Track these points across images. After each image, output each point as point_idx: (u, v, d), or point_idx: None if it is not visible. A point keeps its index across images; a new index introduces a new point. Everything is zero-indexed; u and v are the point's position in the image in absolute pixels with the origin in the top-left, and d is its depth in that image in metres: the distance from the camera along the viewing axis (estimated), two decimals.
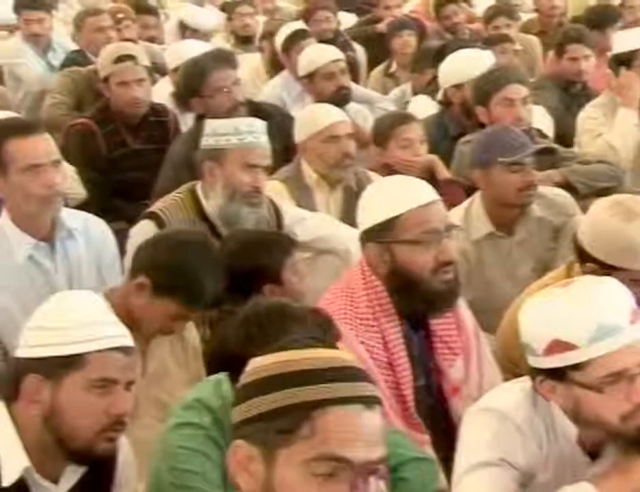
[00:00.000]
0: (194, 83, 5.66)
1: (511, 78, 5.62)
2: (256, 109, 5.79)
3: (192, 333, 3.72)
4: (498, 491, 2.85)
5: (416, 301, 3.51)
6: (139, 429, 3.43)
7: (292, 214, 4.72)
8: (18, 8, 8.44)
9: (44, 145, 4.15)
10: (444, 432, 3.58)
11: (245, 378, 2.04)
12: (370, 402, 1.98)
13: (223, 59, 5.79)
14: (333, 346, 2.18)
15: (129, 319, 3.35)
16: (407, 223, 3.45)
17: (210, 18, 8.87)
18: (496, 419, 2.95)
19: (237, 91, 5.60)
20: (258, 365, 2.03)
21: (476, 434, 2.99)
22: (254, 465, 1.98)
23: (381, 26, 8.67)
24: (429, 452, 3.50)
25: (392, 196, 3.53)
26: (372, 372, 3.42)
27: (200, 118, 5.51)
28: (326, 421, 1.93)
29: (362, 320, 3.52)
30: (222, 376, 3.15)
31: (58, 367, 2.77)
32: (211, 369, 3.34)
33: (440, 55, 6.67)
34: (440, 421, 3.64)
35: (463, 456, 2.98)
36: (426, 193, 3.54)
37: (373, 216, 3.54)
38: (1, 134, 4.14)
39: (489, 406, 3.02)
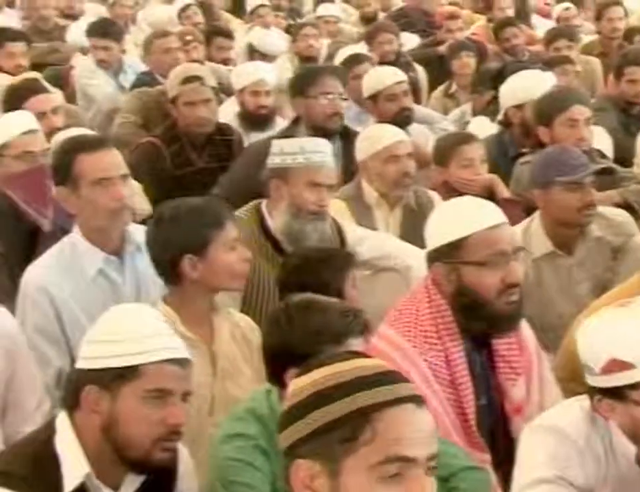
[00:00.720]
0: (302, 84, 5.85)
1: (576, 100, 5.54)
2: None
3: (255, 333, 3.68)
4: None
5: (480, 321, 3.47)
6: (214, 427, 3.41)
7: (354, 232, 4.69)
8: (89, 33, 8.49)
9: (113, 160, 4.16)
10: (505, 451, 3.52)
11: (291, 400, 2.03)
12: (418, 400, 1.98)
13: (334, 71, 6.05)
14: (365, 356, 2.14)
15: None
16: (476, 244, 3.41)
17: (278, 42, 8.89)
18: (554, 437, 2.92)
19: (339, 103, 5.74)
20: (303, 384, 2.02)
21: (534, 451, 2.96)
22: (318, 481, 1.96)
23: (442, 49, 8.65)
24: (490, 470, 3.44)
25: (461, 217, 3.49)
26: (434, 390, 3.41)
27: (296, 121, 5.77)
28: (386, 423, 1.93)
29: (426, 337, 3.47)
30: (271, 387, 3.16)
31: (115, 378, 2.79)
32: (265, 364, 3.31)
33: (499, 76, 6.67)
34: (501, 440, 3.58)
35: (522, 472, 2.96)
36: (495, 215, 3.50)
37: (441, 237, 3.49)
38: (71, 150, 4.17)
39: (548, 424, 2.99)
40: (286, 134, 5.39)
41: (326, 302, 3.29)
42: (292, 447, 1.99)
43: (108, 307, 3.18)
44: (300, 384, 2.02)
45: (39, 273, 4.10)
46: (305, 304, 3.28)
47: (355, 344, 3.15)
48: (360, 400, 1.94)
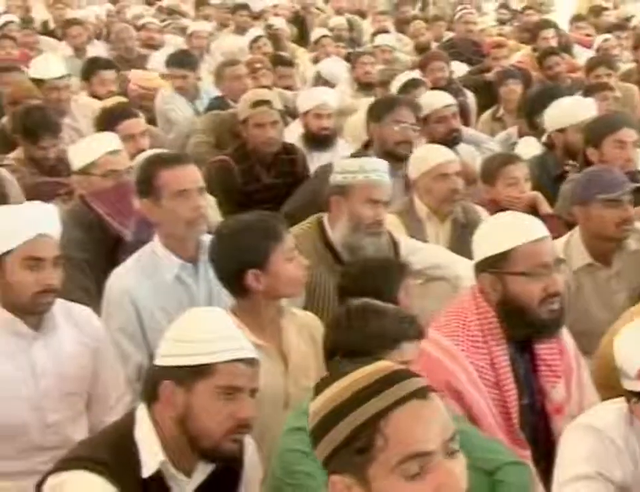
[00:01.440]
0: (379, 111, 5.91)
1: (625, 123, 5.53)
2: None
3: (320, 330, 3.67)
4: None
5: (523, 327, 3.46)
6: None
7: (408, 244, 4.68)
8: (168, 64, 8.58)
9: (191, 174, 4.21)
10: (545, 448, 3.51)
11: (312, 421, 2.02)
12: (422, 393, 1.94)
13: (408, 102, 6.06)
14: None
15: None
16: (521, 256, 3.40)
17: (342, 70, 8.91)
18: (594, 436, 2.89)
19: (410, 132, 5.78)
20: (318, 406, 2.01)
21: (574, 449, 2.94)
22: (354, 491, 1.94)
23: (490, 75, 8.63)
24: (530, 465, 3.42)
25: (507, 230, 3.48)
26: (480, 390, 3.40)
27: (367, 145, 5.83)
28: (393, 427, 1.89)
29: (473, 342, 3.47)
30: None
31: (190, 375, 2.81)
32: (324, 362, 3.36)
33: (539, 99, 6.67)
34: (541, 437, 3.56)
35: (563, 469, 2.93)
36: (538, 229, 3.49)
37: (488, 248, 3.49)
38: (154, 165, 4.23)
39: (588, 423, 2.97)
40: (357, 155, 5.37)
41: (384, 307, 3.31)
42: (324, 464, 1.99)
43: (183, 309, 3.21)
44: (317, 404, 2.01)
45: (122, 277, 4.14)
46: (365, 308, 3.29)
47: (410, 348, 3.17)
48: (364, 412, 1.91)
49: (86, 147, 5.09)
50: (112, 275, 4.17)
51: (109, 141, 5.13)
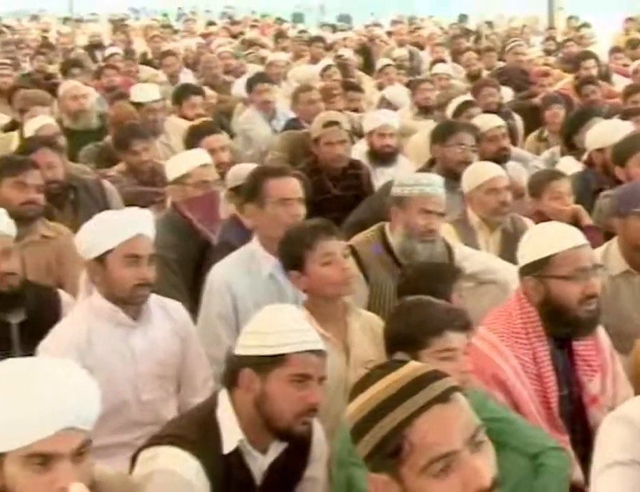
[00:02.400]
0: (443, 134, 5.89)
1: None
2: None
3: (380, 328, 3.66)
4: (627, 486, 2.73)
5: (563, 325, 3.44)
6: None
7: (461, 250, 4.67)
8: (250, 84, 8.62)
9: (294, 185, 4.31)
10: (581, 434, 3.49)
11: (350, 424, 2.01)
12: (444, 397, 1.92)
13: (469, 127, 6.06)
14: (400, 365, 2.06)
15: None
16: (561, 261, 3.38)
17: (404, 96, 8.90)
18: (628, 426, 2.85)
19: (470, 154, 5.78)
20: (353, 410, 1.99)
21: (610, 438, 2.88)
22: (391, 487, 1.93)
23: (536, 100, 8.54)
24: (569, 450, 3.40)
25: (550, 238, 3.46)
26: (523, 382, 3.38)
27: (431, 163, 5.87)
28: (418, 433, 1.88)
29: (517, 339, 3.45)
30: None
31: (266, 364, 2.84)
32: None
33: (577, 121, 6.73)
34: (578, 425, 3.53)
35: (600, 456, 2.89)
36: (577, 237, 3.46)
37: (532, 254, 3.47)
38: (262, 175, 4.33)
39: (623, 415, 2.92)
40: (421, 171, 5.39)
41: (433, 301, 3.34)
42: (364, 462, 1.99)
43: (274, 304, 3.22)
44: (352, 409, 2.00)
45: (224, 271, 4.19)
46: (415, 301, 3.36)
47: (455, 337, 3.19)
48: (391, 420, 1.90)
49: (181, 161, 5.16)
50: (215, 267, 4.23)
51: (201, 155, 5.19)
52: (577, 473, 3.34)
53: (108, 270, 3.60)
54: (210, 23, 21.04)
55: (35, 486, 2.06)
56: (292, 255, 3.79)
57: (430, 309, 3.27)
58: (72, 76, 9.37)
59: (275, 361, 2.83)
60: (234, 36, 16.93)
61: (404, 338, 3.23)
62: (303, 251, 3.73)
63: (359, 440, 1.97)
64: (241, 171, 5.04)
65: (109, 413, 3.29)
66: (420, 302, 3.35)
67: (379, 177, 6.29)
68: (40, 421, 2.05)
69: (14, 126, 7.85)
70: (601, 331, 3.62)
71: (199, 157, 5.16)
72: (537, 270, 3.44)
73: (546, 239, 3.48)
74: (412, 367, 1.99)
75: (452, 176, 5.38)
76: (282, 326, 2.87)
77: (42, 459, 2.06)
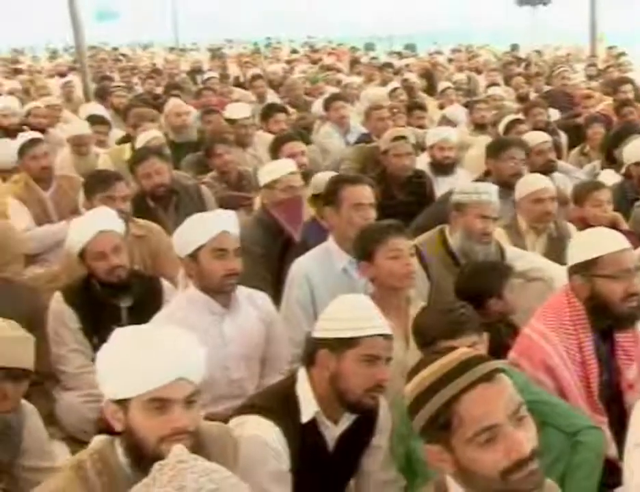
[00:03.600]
0: (497, 149, 5.80)
1: None
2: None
3: None
4: None
5: (606, 319, 3.35)
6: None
7: (512, 251, 4.59)
8: (327, 103, 8.62)
9: (367, 192, 4.30)
10: (618, 416, 3.40)
11: (407, 401, 2.02)
12: (488, 376, 1.92)
13: (520, 143, 5.95)
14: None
15: None
16: (607, 262, 3.30)
17: (462, 114, 8.82)
18: None
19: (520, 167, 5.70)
20: (410, 389, 2.01)
21: None
22: (444, 456, 1.94)
23: (579, 120, 8.42)
24: (606, 429, 3.33)
25: (597, 241, 3.39)
26: (568, 368, 3.34)
27: (487, 174, 5.82)
28: (466, 407, 1.89)
29: (565, 329, 3.38)
30: None
31: (341, 345, 2.82)
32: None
33: (616, 138, 6.62)
34: (615, 407, 3.44)
35: (633, 436, 2.83)
36: (622, 241, 3.38)
37: (581, 255, 3.39)
38: (339, 183, 4.34)
39: None
40: (478, 181, 5.31)
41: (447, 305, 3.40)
42: (420, 435, 2.00)
43: (345, 294, 3.20)
44: (410, 387, 2.01)
45: (304, 265, 4.20)
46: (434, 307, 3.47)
47: (467, 340, 3.14)
48: (442, 397, 1.91)
49: (272, 168, 5.18)
50: (296, 262, 4.25)
51: (289, 164, 5.21)
52: (612, 451, 3.28)
53: (200, 264, 3.62)
54: (294, 51, 21.12)
55: (153, 425, 2.15)
56: (365, 247, 3.78)
57: (441, 316, 3.30)
58: (175, 97, 9.44)
59: (349, 343, 2.81)
60: (314, 62, 16.95)
61: (427, 340, 3.25)
62: (375, 245, 3.72)
63: (414, 415, 1.98)
64: (320, 181, 5.06)
65: (201, 389, 3.30)
66: (436, 307, 3.43)
67: (440, 185, 6.22)
68: (159, 373, 2.16)
69: (127, 139, 7.95)
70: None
71: (287, 166, 5.18)
72: (585, 269, 3.37)
73: (594, 242, 3.40)
74: (460, 352, 2.00)
75: (505, 186, 5.28)
76: (355, 313, 2.86)
77: (159, 403, 2.17)
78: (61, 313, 4.02)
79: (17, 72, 15.82)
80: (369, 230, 3.86)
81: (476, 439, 1.88)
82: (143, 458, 2.16)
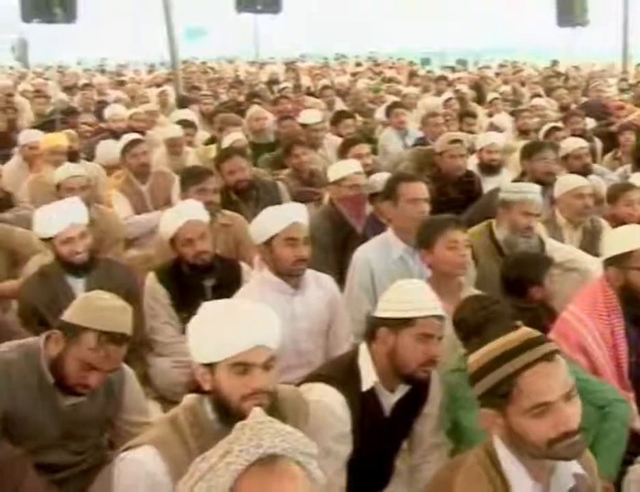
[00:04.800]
0: (530, 151, 5.68)
1: None
2: None
3: None
4: None
5: (637, 307, 3.31)
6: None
7: (551, 243, 4.49)
8: (389, 110, 8.58)
9: (422, 189, 4.28)
10: None
11: (471, 369, 2.02)
12: (549, 357, 1.91)
13: (551, 146, 5.86)
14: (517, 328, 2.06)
15: None
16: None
17: (507, 122, 8.70)
18: None
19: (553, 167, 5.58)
20: (475, 359, 2.00)
21: None
22: (497, 421, 1.95)
23: (613, 128, 8.24)
24: (632, 404, 3.29)
25: (631, 236, 3.35)
26: (601, 348, 3.28)
27: (523, 174, 5.67)
28: (527, 381, 1.89)
29: (599, 315, 3.35)
30: None
31: (399, 324, 2.79)
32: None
33: None
34: None
35: None
36: None
37: (616, 249, 3.35)
38: (397, 180, 4.33)
39: None
40: (516, 181, 5.24)
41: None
42: (478, 399, 2.00)
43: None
44: (475, 357, 2.01)
45: (365, 253, 4.18)
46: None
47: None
48: (506, 369, 1.91)
49: (341, 167, 5.17)
50: (358, 249, 4.23)
51: (355, 165, 5.19)
52: (638, 424, 3.26)
53: (273, 251, 3.62)
54: (358, 64, 21.02)
55: (236, 385, 2.17)
56: (426, 237, 3.75)
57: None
58: (255, 104, 9.47)
59: (406, 322, 2.79)
60: (377, 74, 16.83)
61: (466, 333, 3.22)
62: (435, 236, 3.70)
63: (477, 382, 1.98)
64: (377, 181, 5.03)
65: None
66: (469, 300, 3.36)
67: (487, 184, 6.11)
68: (241, 340, 2.17)
69: (212, 140, 8.02)
70: None
71: (353, 165, 5.16)
72: (619, 262, 3.33)
73: (628, 237, 3.36)
74: (525, 331, 1.99)
75: (539, 184, 5.15)
76: (412, 296, 2.83)
77: (242, 367, 2.18)
78: (154, 291, 4.06)
79: (121, 83, 16.03)
80: (431, 222, 3.82)
81: (531, 411, 1.88)
82: (228, 413, 2.18)
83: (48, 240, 3.99)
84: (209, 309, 2.27)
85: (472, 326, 3.16)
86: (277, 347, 2.25)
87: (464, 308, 3.31)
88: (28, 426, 2.76)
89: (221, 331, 2.17)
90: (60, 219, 3.92)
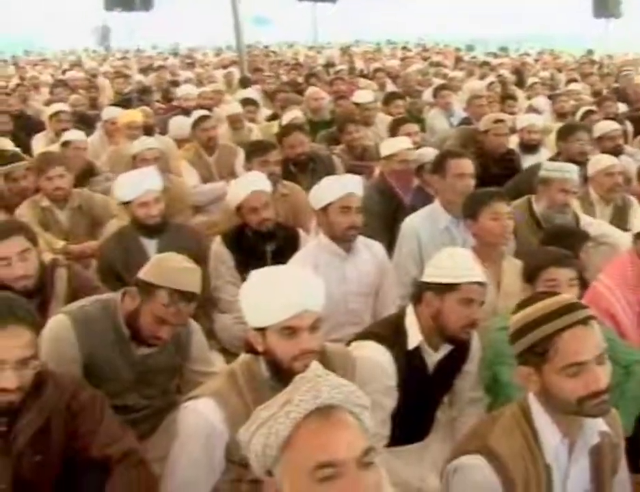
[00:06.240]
0: (566, 133, 5.54)
1: None
2: None
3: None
4: None
5: None
6: (493, 322, 3.25)
7: (584, 218, 4.40)
8: (435, 91, 8.48)
9: (468, 163, 4.20)
10: None
11: (512, 328, 2.00)
12: (585, 321, 1.90)
13: (584, 127, 5.69)
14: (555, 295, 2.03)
15: None
16: None
17: (546, 105, 8.50)
18: None
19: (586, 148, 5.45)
20: (517, 319, 1.99)
21: None
22: (533, 377, 1.94)
23: None
24: None
25: None
26: (627, 314, 3.25)
27: (558, 154, 5.52)
28: (563, 342, 1.88)
29: (627, 284, 3.32)
30: None
31: (443, 289, 2.75)
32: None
33: None
34: None
35: None
36: None
37: None
38: (446, 155, 4.30)
39: None
40: (552, 160, 5.11)
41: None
42: (516, 357, 1.98)
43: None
44: (517, 317, 1.99)
45: (414, 221, 4.14)
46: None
47: (558, 272, 3.02)
48: (545, 330, 1.89)
49: (392, 144, 5.10)
50: (406, 219, 4.19)
51: (405, 141, 5.12)
52: None
53: (329, 217, 3.61)
54: (408, 50, 20.74)
55: (286, 347, 2.13)
56: (471, 208, 3.70)
57: (539, 251, 3.20)
58: (313, 85, 9.39)
59: (451, 287, 2.74)
60: (425, 59, 16.58)
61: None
62: (480, 207, 3.65)
63: (517, 340, 1.97)
64: (423, 154, 4.98)
65: (323, 317, 3.32)
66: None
67: (526, 162, 5.97)
68: (288, 306, 2.12)
69: (273, 117, 7.99)
70: None
71: (403, 142, 5.09)
72: None
73: None
74: (564, 297, 1.98)
75: (573, 164, 5.03)
76: (457, 263, 2.78)
77: (290, 330, 2.14)
78: (220, 253, 4.07)
79: (191, 65, 16.08)
80: (477, 194, 3.76)
81: (566, 370, 1.86)
82: (280, 372, 2.16)
83: (126, 204, 4.03)
84: (258, 277, 2.23)
85: (549, 259, 3.06)
86: (321, 309, 2.21)
87: (536, 250, 3.27)
88: (105, 373, 2.79)
89: (269, 298, 2.14)
90: (138, 185, 3.95)
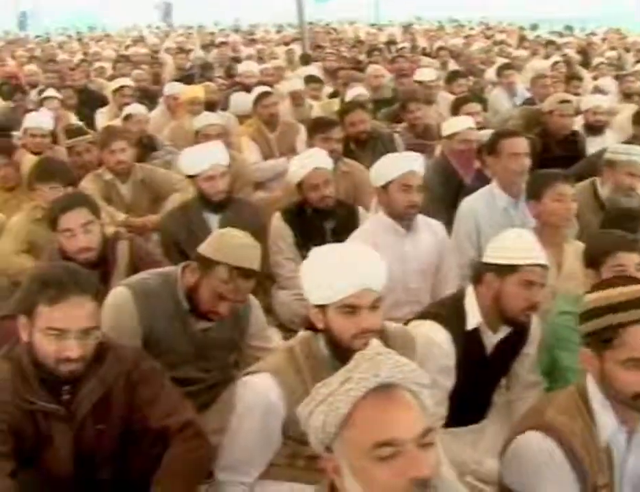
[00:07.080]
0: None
1: None
2: None
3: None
4: None
5: None
6: (553, 306, 3.17)
7: None
8: (499, 71, 8.30)
9: (521, 143, 4.11)
10: None
11: (582, 309, 1.98)
12: None
13: None
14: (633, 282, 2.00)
15: None
16: None
17: (612, 85, 8.30)
18: None
19: None
20: (588, 301, 1.97)
21: None
22: (593, 361, 1.92)
23: None
24: None
25: None
26: None
27: (635, 137, 5.35)
28: (629, 336, 1.87)
29: None
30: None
31: (504, 270, 2.69)
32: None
33: None
34: None
35: None
36: None
37: None
38: (499, 136, 4.20)
39: None
40: (625, 143, 4.94)
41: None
42: (582, 338, 1.97)
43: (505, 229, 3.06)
44: (589, 299, 1.97)
45: (472, 202, 4.09)
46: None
47: (625, 256, 2.91)
48: (615, 318, 1.88)
49: (454, 123, 5.05)
50: (465, 200, 4.13)
51: (468, 121, 5.06)
52: None
53: (389, 194, 3.59)
54: (471, 28, 20.38)
55: (346, 325, 2.12)
56: (535, 189, 3.63)
57: (606, 235, 3.09)
58: (374, 63, 9.29)
59: (512, 269, 2.68)
60: (488, 38, 16.27)
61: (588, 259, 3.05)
62: (544, 188, 3.57)
63: (587, 321, 1.95)
64: (484, 135, 4.86)
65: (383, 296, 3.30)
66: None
67: (590, 144, 5.85)
68: (349, 284, 2.11)
69: (335, 94, 7.95)
70: None
71: (466, 122, 5.04)
72: None
73: None
74: (636, 289, 1.93)
75: None
76: (519, 245, 2.72)
77: (350, 309, 2.13)
78: (279, 229, 4.08)
79: (253, 41, 16.09)
80: (541, 175, 3.69)
81: (627, 362, 1.85)
82: (339, 350, 2.15)
83: (192, 178, 4.06)
84: (320, 254, 2.22)
85: (615, 243, 2.96)
86: (381, 288, 2.19)
87: (602, 233, 3.17)
88: (164, 345, 2.82)
89: (330, 276, 2.12)
90: (205, 159, 3.98)
